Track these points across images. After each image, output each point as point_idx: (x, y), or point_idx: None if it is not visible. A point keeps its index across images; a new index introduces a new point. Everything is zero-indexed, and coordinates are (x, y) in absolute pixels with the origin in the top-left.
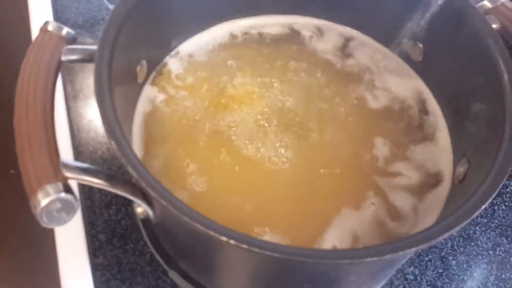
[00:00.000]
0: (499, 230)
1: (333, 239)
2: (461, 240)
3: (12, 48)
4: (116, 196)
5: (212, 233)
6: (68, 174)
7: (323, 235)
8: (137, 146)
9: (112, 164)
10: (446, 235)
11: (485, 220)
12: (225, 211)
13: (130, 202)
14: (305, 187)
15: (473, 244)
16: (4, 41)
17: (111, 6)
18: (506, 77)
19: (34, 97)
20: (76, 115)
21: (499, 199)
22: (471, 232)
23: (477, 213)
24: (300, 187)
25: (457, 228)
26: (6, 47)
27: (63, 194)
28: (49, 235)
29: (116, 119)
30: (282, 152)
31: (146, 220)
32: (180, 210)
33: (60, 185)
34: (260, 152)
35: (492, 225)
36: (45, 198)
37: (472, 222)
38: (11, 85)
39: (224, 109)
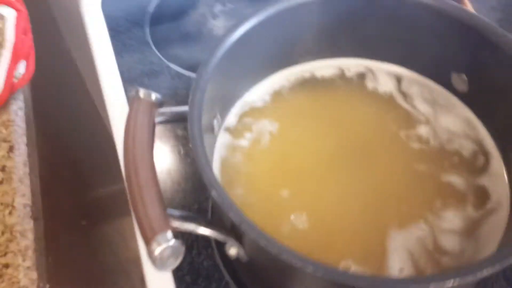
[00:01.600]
0: None
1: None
2: None
3: (81, 109)
4: (196, 239)
5: (310, 269)
6: (174, 223)
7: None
8: None
9: (190, 209)
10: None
11: None
12: (311, 246)
13: (209, 244)
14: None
15: None
16: (73, 103)
17: (170, 64)
18: None
19: (140, 157)
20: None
21: None
22: None
23: None
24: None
25: None
26: (76, 108)
27: (172, 242)
28: (130, 277)
29: (212, 172)
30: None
31: (226, 261)
32: (278, 249)
33: (169, 233)
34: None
35: None
36: (158, 247)
37: None
38: (80, 145)
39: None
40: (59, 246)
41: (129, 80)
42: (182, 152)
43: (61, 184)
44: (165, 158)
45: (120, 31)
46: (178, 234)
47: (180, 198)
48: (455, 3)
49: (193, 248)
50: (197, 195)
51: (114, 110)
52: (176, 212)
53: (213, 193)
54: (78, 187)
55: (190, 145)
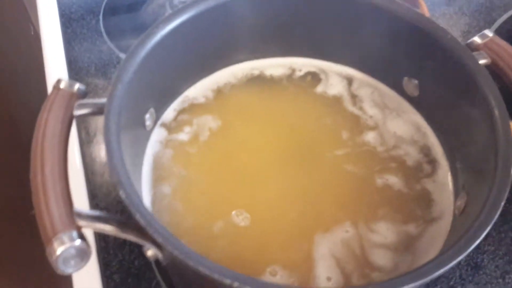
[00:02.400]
0: (508, 258)
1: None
2: (469, 269)
3: (30, 96)
4: None
5: (216, 276)
6: (81, 222)
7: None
8: (146, 187)
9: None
10: (446, 269)
11: (493, 248)
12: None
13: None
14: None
15: (481, 272)
16: (22, 90)
17: (121, 55)
18: (496, 112)
19: (48, 152)
20: (90, 159)
21: (506, 226)
22: (478, 260)
23: (472, 247)
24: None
25: (454, 263)
26: (24, 95)
27: (77, 242)
28: (67, 276)
29: (124, 170)
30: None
31: (158, 261)
32: (186, 255)
33: (74, 233)
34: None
35: (500, 252)
36: (60, 246)
37: (479, 250)
38: (29, 132)
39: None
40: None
41: (76, 69)
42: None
43: (5, 170)
44: (103, 150)
45: (73, 18)
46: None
47: (116, 193)
48: (407, 5)
49: (125, 246)
50: None
51: None
52: (84, 211)
53: (121, 193)
54: (24, 174)
55: (104, 140)
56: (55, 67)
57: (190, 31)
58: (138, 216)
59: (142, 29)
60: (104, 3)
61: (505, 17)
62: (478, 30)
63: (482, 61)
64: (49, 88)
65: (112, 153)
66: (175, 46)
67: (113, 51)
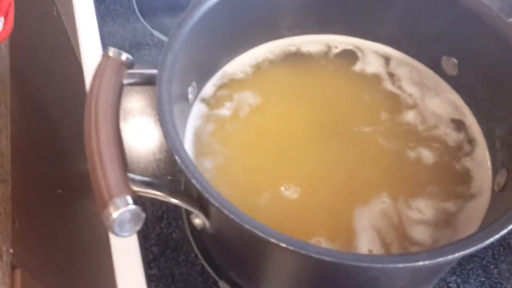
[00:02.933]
0: None
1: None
2: (501, 249)
3: (64, 72)
4: (167, 210)
5: (273, 240)
6: (135, 188)
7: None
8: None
9: (162, 181)
10: (491, 240)
11: None
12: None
13: (180, 216)
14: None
15: None
16: (56, 65)
17: (155, 32)
18: None
19: (102, 117)
20: (127, 135)
21: None
22: (511, 241)
23: None
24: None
25: (499, 236)
26: (59, 72)
27: (132, 206)
28: (105, 249)
29: (178, 137)
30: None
31: (196, 233)
32: (242, 219)
33: (129, 198)
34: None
35: None
36: (116, 211)
37: None
38: (60, 110)
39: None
40: (29, 212)
41: (110, 46)
42: (158, 121)
43: (36, 151)
44: (140, 126)
45: None
46: (140, 201)
47: (153, 168)
48: None
49: (163, 219)
50: (171, 166)
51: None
52: (138, 177)
53: (177, 159)
54: (56, 158)
55: (156, 109)
56: (89, 43)
57: (233, 4)
58: (194, 181)
59: (175, 7)
60: None
61: None
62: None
63: None
64: (84, 65)
65: (166, 122)
66: (218, 19)
67: (146, 29)
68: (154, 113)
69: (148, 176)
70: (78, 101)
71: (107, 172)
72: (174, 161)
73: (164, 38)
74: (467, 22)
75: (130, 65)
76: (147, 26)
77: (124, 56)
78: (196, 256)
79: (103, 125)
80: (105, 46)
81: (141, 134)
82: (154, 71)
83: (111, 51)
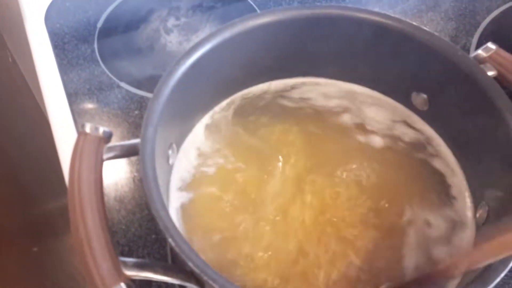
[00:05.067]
0: None
1: None
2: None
3: (15, 125)
4: None
5: None
6: (128, 272)
7: None
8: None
9: (147, 240)
10: None
11: None
12: None
13: (172, 284)
14: None
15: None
16: (16, 111)
17: (122, 84)
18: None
19: (87, 203)
20: (105, 196)
21: None
22: None
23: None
24: None
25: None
26: (10, 123)
27: None
28: None
29: (168, 215)
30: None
31: None
32: None
33: (123, 286)
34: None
35: None
36: None
37: None
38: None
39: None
40: (8, 277)
41: (77, 102)
42: (136, 179)
43: (3, 205)
44: (118, 185)
45: (66, 49)
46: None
47: (135, 229)
48: (414, 24)
49: (151, 284)
50: (154, 224)
51: (61, 132)
52: (130, 260)
53: (171, 242)
54: (24, 205)
55: (143, 187)
56: (56, 101)
57: (208, 64)
58: (191, 264)
59: (138, 54)
60: (97, 31)
61: (488, 19)
62: (465, 34)
63: (489, 74)
64: (53, 125)
65: (154, 200)
66: (194, 82)
67: (113, 80)
68: (132, 170)
69: (130, 238)
70: (39, 138)
71: (98, 261)
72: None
73: (131, 88)
74: (434, 61)
75: (108, 138)
76: (113, 77)
77: (101, 130)
78: None
79: (89, 212)
80: (71, 104)
81: (120, 192)
82: (133, 142)
83: (88, 127)
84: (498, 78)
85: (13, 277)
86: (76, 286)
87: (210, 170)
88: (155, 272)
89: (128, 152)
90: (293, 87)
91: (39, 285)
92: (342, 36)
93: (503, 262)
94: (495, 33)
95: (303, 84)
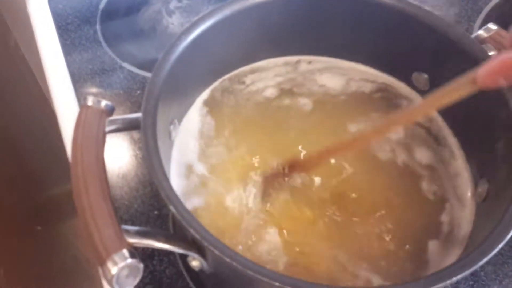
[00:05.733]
0: None
1: None
2: None
3: (17, 104)
4: None
5: (277, 284)
6: (131, 240)
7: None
8: None
9: (149, 216)
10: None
11: None
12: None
13: (171, 252)
14: None
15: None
16: (18, 94)
17: (124, 64)
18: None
19: (90, 173)
20: (109, 173)
21: None
22: None
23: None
24: None
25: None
26: (12, 103)
27: (129, 261)
28: (94, 283)
29: (170, 186)
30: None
31: (190, 268)
32: (245, 265)
33: (125, 252)
34: None
35: None
36: (114, 267)
37: None
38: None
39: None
40: (12, 256)
41: (80, 81)
42: (139, 156)
43: (8, 187)
44: (121, 162)
45: (69, 29)
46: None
47: (138, 205)
48: (415, 3)
49: (154, 256)
50: (157, 201)
51: (64, 112)
52: (132, 228)
53: (172, 209)
54: (29, 188)
55: (145, 158)
56: (59, 81)
57: (205, 42)
58: (192, 231)
59: (140, 35)
60: (99, 12)
61: (491, 4)
62: (467, 19)
63: (490, 54)
64: (56, 105)
65: (156, 171)
66: (194, 57)
67: (115, 60)
68: (134, 148)
69: (133, 214)
70: (43, 123)
71: (101, 228)
72: (159, 196)
73: (133, 68)
74: (435, 41)
75: (110, 112)
76: (115, 57)
77: (103, 103)
78: None
79: (92, 181)
80: (75, 84)
81: (123, 169)
82: (135, 115)
83: (90, 100)
84: None
85: (17, 257)
86: (80, 268)
87: (210, 144)
88: (157, 240)
89: (130, 125)
90: (292, 64)
91: (43, 265)
92: (343, 15)
93: (501, 234)
94: (497, 18)
95: (301, 61)
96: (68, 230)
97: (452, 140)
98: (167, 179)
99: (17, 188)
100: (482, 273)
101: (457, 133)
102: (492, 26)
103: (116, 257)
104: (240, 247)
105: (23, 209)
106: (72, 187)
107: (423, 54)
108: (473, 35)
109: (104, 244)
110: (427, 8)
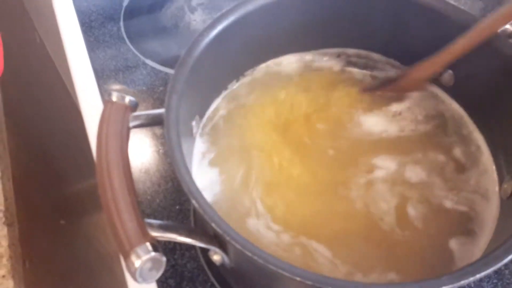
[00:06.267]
0: None
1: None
2: None
3: (42, 101)
4: None
5: (298, 278)
6: (154, 233)
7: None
8: None
9: (171, 211)
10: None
11: None
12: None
13: (192, 246)
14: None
15: None
16: (43, 92)
17: (147, 61)
18: None
19: (115, 167)
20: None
21: None
22: None
23: None
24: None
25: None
26: (37, 101)
27: (152, 254)
28: (116, 278)
29: (192, 180)
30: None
31: (211, 262)
32: (266, 260)
33: (149, 245)
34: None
35: None
36: (137, 260)
37: None
38: (47, 138)
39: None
40: (37, 249)
41: (104, 78)
42: (161, 151)
43: (35, 183)
44: (143, 158)
45: (93, 26)
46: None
47: (160, 199)
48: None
49: (176, 250)
50: (178, 196)
51: (88, 109)
52: (155, 222)
53: (194, 203)
54: (54, 184)
55: (168, 153)
56: (83, 77)
57: (228, 38)
58: (214, 225)
59: (163, 32)
60: (123, 9)
61: None
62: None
63: None
64: (80, 101)
65: (179, 165)
66: (217, 53)
67: (138, 57)
68: (156, 144)
69: (155, 209)
70: (72, 128)
71: (125, 222)
72: (181, 191)
73: (156, 65)
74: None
75: (134, 107)
76: (138, 54)
77: (127, 99)
78: (213, 285)
79: (116, 175)
80: (99, 80)
81: (145, 165)
82: (158, 111)
83: (114, 96)
84: None
85: (41, 250)
86: (102, 262)
87: (231, 139)
88: (180, 234)
89: (153, 120)
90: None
91: (66, 258)
92: (369, 10)
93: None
94: None
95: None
96: (91, 225)
97: (478, 136)
98: (189, 174)
99: (42, 183)
100: (506, 272)
101: (483, 129)
102: None
103: (139, 250)
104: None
105: (47, 204)
106: (97, 181)
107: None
108: (500, 29)
109: (128, 237)
110: (452, 2)
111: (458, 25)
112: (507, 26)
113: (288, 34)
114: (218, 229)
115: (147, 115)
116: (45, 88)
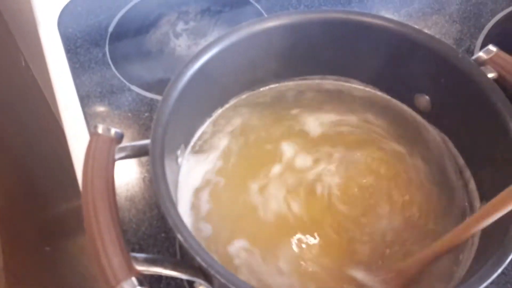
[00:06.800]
0: None
1: None
2: None
3: (26, 125)
4: None
5: None
6: (139, 267)
7: None
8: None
9: (156, 239)
10: None
11: None
12: None
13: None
14: None
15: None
16: (27, 114)
17: (133, 87)
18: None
19: (100, 201)
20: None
21: None
22: None
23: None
24: None
25: None
26: (20, 124)
27: None
28: None
29: (177, 212)
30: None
31: None
32: None
33: (134, 280)
34: None
35: None
36: None
37: None
38: (28, 162)
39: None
40: (21, 278)
41: (89, 104)
42: (146, 178)
43: (19, 208)
44: (128, 185)
45: (79, 52)
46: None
47: (145, 227)
48: (416, 27)
49: (162, 280)
50: (164, 223)
51: (73, 133)
52: (140, 256)
53: (180, 238)
54: (38, 207)
55: (153, 187)
56: (68, 104)
57: (216, 66)
58: (199, 259)
59: (148, 58)
60: (108, 35)
61: (493, 22)
62: (469, 36)
63: (489, 75)
64: (65, 126)
65: (164, 198)
66: (200, 85)
67: (123, 83)
68: (142, 171)
69: (141, 237)
70: (52, 140)
71: (110, 257)
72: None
73: (141, 91)
74: (436, 64)
75: (119, 139)
76: (123, 80)
77: (113, 131)
78: None
79: (102, 209)
80: (83, 106)
81: (130, 192)
82: (143, 142)
83: (100, 128)
84: (498, 80)
85: (26, 276)
86: (87, 286)
87: (217, 168)
88: (165, 267)
89: (138, 152)
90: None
91: (50, 283)
92: (347, 39)
93: (499, 260)
94: (499, 36)
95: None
96: (76, 248)
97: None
98: (174, 207)
99: (26, 207)
100: None
101: (463, 153)
102: (492, 47)
103: (125, 285)
104: None
105: (32, 229)
106: (83, 215)
107: (424, 76)
108: (473, 57)
109: (113, 272)
110: (430, 25)
111: (429, 50)
112: (480, 54)
113: (274, 62)
114: (203, 263)
115: (133, 146)
116: (29, 110)
